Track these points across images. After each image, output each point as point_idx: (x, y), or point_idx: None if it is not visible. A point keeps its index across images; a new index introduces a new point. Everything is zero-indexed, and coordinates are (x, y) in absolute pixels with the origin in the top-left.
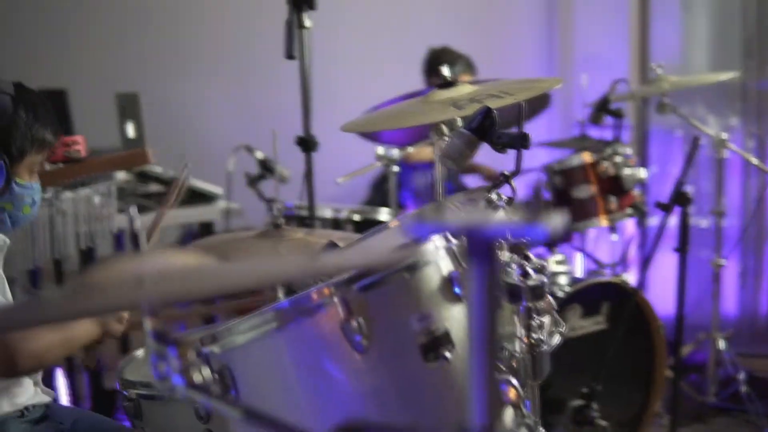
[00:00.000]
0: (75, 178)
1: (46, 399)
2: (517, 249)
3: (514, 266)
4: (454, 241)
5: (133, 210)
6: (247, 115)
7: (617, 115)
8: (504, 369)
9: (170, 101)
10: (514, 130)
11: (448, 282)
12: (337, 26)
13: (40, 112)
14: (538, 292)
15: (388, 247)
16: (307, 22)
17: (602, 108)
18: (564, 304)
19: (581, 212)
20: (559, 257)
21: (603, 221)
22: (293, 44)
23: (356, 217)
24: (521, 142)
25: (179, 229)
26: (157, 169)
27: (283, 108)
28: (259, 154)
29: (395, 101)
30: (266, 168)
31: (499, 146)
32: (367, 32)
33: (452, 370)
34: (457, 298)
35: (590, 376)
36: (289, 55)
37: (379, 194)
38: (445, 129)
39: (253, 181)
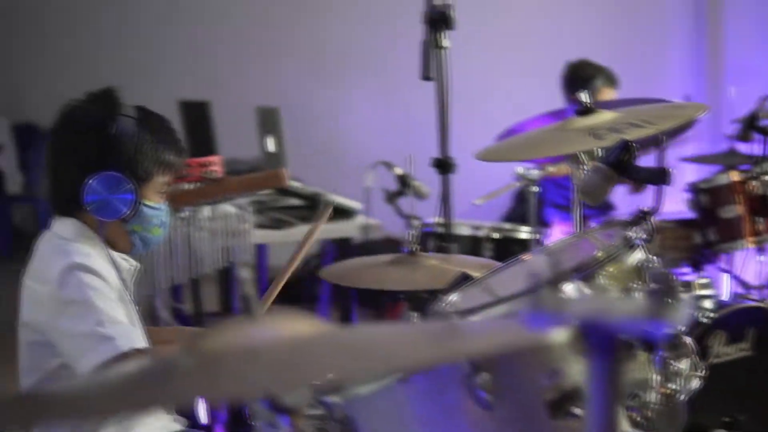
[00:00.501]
0: (212, 198)
1: (176, 428)
2: None
3: None
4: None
5: (245, 272)
6: (386, 132)
7: (766, 132)
8: (637, 421)
9: (310, 116)
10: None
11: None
12: (474, 44)
13: (163, 134)
14: (676, 341)
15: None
16: (445, 42)
17: (750, 124)
18: (707, 331)
19: (727, 233)
20: (704, 280)
21: (750, 242)
22: (430, 65)
23: (496, 235)
24: (662, 177)
25: (317, 244)
26: (296, 183)
27: (421, 126)
28: (398, 170)
29: (535, 121)
30: (405, 184)
31: (639, 182)
32: (505, 48)
33: (581, 427)
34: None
35: (733, 405)
36: (426, 77)
37: (520, 207)
38: (583, 158)
39: (391, 197)
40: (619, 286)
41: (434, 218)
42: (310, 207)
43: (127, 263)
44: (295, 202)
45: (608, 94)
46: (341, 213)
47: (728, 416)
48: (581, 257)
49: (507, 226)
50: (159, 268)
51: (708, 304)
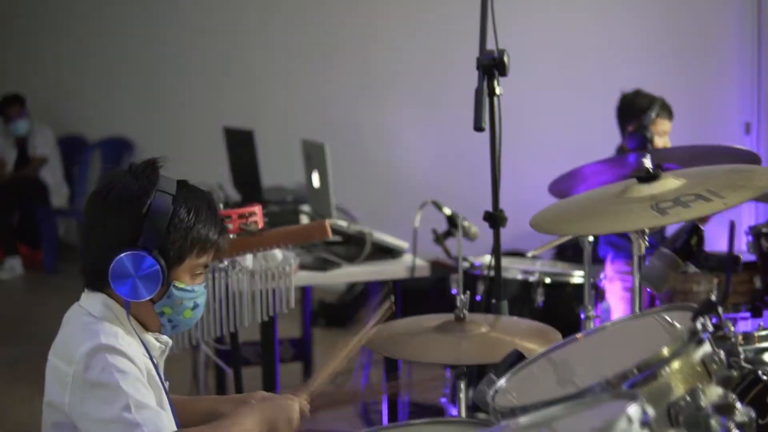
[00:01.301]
0: (251, 250)
1: None
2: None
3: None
4: (651, 413)
5: None
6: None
7: None
8: None
9: (360, 149)
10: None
11: None
12: (527, 83)
13: (202, 211)
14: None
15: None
16: (498, 90)
17: None
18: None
19: None
20: (764, 331)
21: None
22: (482, 115)
23: (547, 280)
24: (733, 266)
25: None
26: (341, 223)
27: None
28: (447, 210)
29: (593, 168)
30: (454, 224)
31: (707, 270)
32: (557, 85)
33: None
34: None
35: None
36: (478, 127)
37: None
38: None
39: (440, 238)
40: (682, 386)
41: (483, 261)
42: (356, 245)
43: (158, 342)
44: (338, 241)
45: (663, 125)
46: (388, 252)
47: None
48: (644, 349)
49: (559, 269)
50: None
51: None
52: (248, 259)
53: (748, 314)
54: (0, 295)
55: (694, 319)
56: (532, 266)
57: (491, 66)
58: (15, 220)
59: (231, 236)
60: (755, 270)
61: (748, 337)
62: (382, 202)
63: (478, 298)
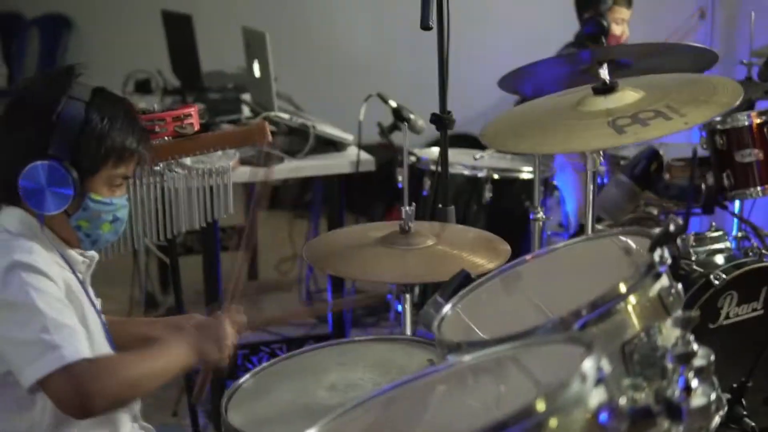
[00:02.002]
0: (186, 154)
1: None
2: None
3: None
4: (606, 368)
5: None
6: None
7: None
8: None
9: (302, 38)
10: None
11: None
12: None
13: (117, 119)
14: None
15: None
16: None
17: None
18: (719, 292)
19: (743, 179)
20: (717, 232)
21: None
22: (429, 13)
23: (496, 176)
24: (695, 195)
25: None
26: (283, 115)
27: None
28: (393, 103)
29: (546, 65)
30: (400, 117)
31: (667, 199)
32: None
33: None
34: None
35: (745, 367)
36: (425, 26)
37: None
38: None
39: (385, 131)
40: (638, 323)
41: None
42: (299, 138)
43: (82, 256)
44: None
45: (621, 12)
46: (332, 145)
47: (738, 380)
48: (598, 277)
49: (508, 163)
50: (134, 227)
51: (720, 259)
52: (187, 159)
53: (698, 210)
54: None
55: (652, 250)
56: (480, 162)
57: None
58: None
59: (166, 139)
60: (708, 166)
61: (700, 239)
62: (327, 93)
63: (424, 193)
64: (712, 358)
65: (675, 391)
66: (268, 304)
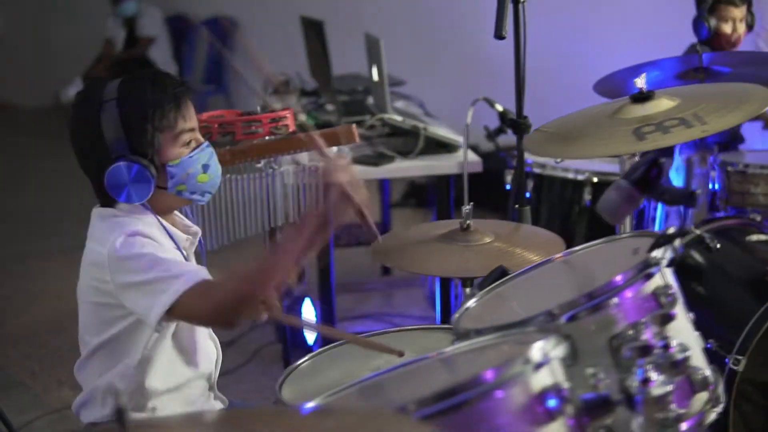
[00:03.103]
0: (282, 153)
1: (218, 406)
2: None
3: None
4: (553, 354)
5: None
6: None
7: None
8: None
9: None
10: None
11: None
12: None
13: (145, 95)
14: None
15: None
16: None
17: None
18: None
19: None
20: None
21: None
22: (503, 23)
23: (595, 179)
24: (688, 200)
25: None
26: (397, 118)
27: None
28: (499, 107)
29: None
30: (505, 120)
31: (663, 203)
32: None
33: None
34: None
35: None
36: (498, 35)
37: None
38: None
39: (492, 135)
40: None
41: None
42: (413, 138)
43: (185, 234)
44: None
45: (727, 11)
46: (443, 146)
47: None
48: (603, 277)
49: (607, 170)
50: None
51: None
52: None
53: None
54: None
55: (651, 250)
56: (582, 163)
57: None
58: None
59: (260, 140)
60: None
61: None
62: (457, 94)
63: (527, 195)
64: (688, 353)
65: (634, 382)
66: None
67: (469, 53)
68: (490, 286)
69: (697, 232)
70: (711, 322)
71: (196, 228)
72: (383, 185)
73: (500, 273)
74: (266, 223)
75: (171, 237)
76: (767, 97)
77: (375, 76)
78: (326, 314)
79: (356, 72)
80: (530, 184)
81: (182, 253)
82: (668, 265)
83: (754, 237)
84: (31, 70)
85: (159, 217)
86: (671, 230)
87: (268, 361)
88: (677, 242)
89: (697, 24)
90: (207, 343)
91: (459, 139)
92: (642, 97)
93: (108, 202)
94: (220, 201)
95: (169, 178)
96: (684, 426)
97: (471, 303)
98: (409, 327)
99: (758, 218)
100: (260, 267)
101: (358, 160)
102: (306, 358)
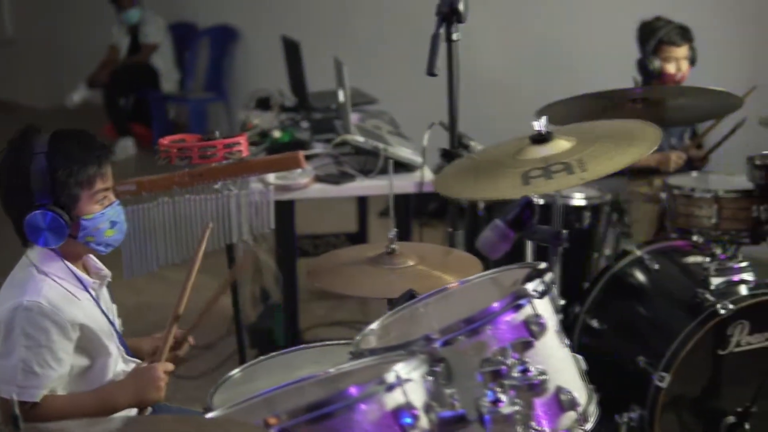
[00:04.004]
0: (234, 177)
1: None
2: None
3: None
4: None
5: None
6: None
7: None
8: None
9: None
10: None
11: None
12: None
13: (73, 153)
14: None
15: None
16: (456, 36)
17: None
18: (728, 321)
19: None
20: (743, 263)
21: None
22: (435, 60)
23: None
24: (555, 240)
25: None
26: (359, 138)
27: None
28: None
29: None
30: (461, 144)
31: (534, 241)
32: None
33: None
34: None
35: (750, 395)
36: (430, 72)
37: None
38: None
39: (446, 156)
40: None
41: None
42: (374, 158)
43: (92, 278)
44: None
45: (670, 51)
46: (403, 166)
47: (743, 405)
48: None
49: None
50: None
51: (743, 289)
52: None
53: (747, 242)
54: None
55: (524, 283)
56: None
57: (448, 13)
58: (129, 105)
59: (218, 164)
60: (753, 199)
61: (722, 269)
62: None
63: (480, 213)
64: (546, 377)
65: (485, 402)
66: None
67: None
68: (396, 309)
69: (639, 253)
70: (645, 340)
71: (106, 271)
72: (361, 198)
73: (409, 296)
74: (222, 239)
75: (79, 280)
76: (656, 139)
77: (341, 98)
78: (290, 322)
79: (333, 90)
80: (481, 204)
81: (90, 294)
82: (539, 297)
83: (691, 258)
84: (40, 73)
85: (68, 263)
86: (541, 265)
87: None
88: (547, 277)
89: (642, 65)
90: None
91: (418, 159)
92: (540, 139)
93: (26, 242)
94: (181, 219)
95: (81, 229)
96: None
97: (374, 325)
98: (331, 342)
99: (700, 240)
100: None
101: (322, 179)
102: (239, 369)
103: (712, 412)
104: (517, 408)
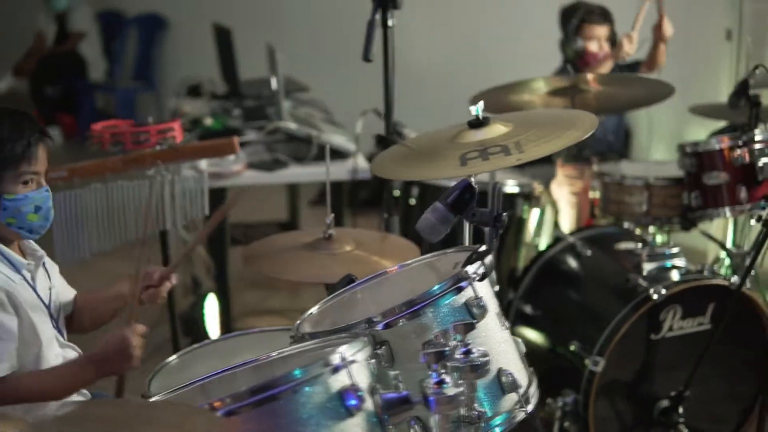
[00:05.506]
0: (168, 162)
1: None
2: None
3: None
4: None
5: None
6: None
7: (756, 103)
8: None
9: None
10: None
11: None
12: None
13: (2, 132)
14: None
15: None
16: (391, 22)
17: (742, 91)
18: (661, 306)
19: (710, 200)
20: (674, 249)
21: (732, 212)
22: (371, 46)
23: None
24: (495, 222)
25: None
26: (291, 125)
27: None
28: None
29: None
30: (395, 131)
31: (473, 224)
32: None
33: None
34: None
35: (683, 380)
36: (366, 58)
37: None
38: None
39: (381, 143)
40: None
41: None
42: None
43: (30, 258)
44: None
45: (591, 30)
46: (337, 154)
47: (677, 389)
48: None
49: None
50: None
51: (674, 274)
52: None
53: (678, 227)
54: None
55: (464, 266)
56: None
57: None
58: (56, 94)
59: (151, 149)
60: (683, 186)
61: (654, 254)
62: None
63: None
64: (488, 359)
65: (429, 384)
66: None
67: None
68: (335, 293)
69: (571, 239)
70: (577, 326)
71: (41, 252)
72: (292, 187)
73: (347, 281)
74: (155, 226)
75: (10, 261)
76: (592, 124)
77: (274, 85)
78: (223, 310)
79: (265, 77)
80: (415, 191)
81: (23, 275)
82: (479, 280)
83: (622, 245)
84: None
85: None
86: (481, 248)
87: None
88: (487, 259)
89: (564, 45)
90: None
91: (351, 146)
92: (477, 123)
93: None
94: (112, 205)
95: (2, 209)
96: (492, 423)
97: (314, 308)
98: (268, 329)
99: (630, 227)
100: (46, 393)
101: (254, 165)
102: (175, 356)
103: (645, 396)
104: (461, 389)
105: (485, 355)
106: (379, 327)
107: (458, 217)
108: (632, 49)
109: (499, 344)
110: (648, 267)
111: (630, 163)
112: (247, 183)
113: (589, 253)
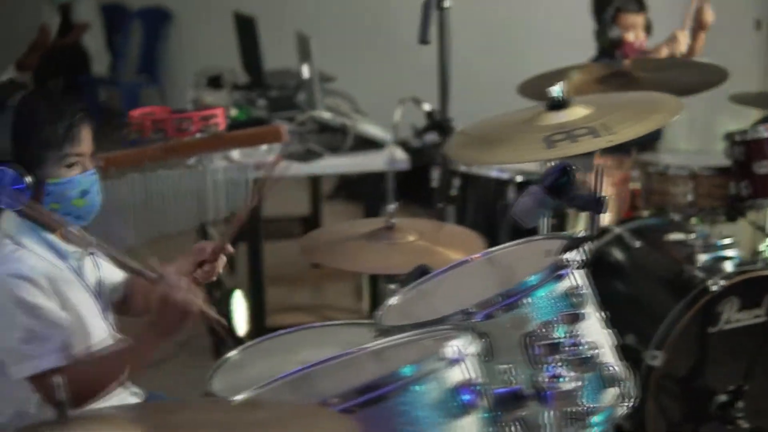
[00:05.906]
0: (210, 151)
1: (132, 400)
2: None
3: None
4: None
5: None
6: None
7: None
8: None
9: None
10: None
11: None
12: None
13: (40, 112)
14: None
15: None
16: (447, 3)
17: None
18: (719, 298)
19: (760, 189)
20: (727, 239)
21: None
22: (428, 29)
23: (519, 179)
24: (597, 206)
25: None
26: (325, 115)
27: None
28: (426, 106)
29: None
30: (432, 120)
31: (573, 208)
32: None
33: None
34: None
35: (743, 372)
36: (423, 41)
37: None
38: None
39: (419, 133)
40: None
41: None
42: (342, 135)
43: (74, 247)
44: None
45: (627, 18)
46: (371, 143)
47: (735, 383)
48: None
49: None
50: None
51: (729, 265)
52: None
53: (723, 218)
54: None
55: (562, 253)
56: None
57: None
58: (58, 87)
59: (194, 137)
60: (730, 176)
61: (708, 245)
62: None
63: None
64: (597, 351)
65: (544, 378)
66: None
67: (400, 52)
68: (412, 284)
69: (618, 231)
70: (630, 319)
71: (90, 238)
72: (314, 180)
73: (421, 271)
74: (196, 218)
75: (55, 249)
76: (678, 107)
77: (306, 74)
78: (256, 307)
79: (288, 68)
80: (457, 182)
81: (71, 265)
82: (578, 268)
83: (672, 236)
84: None
85: (45, 234)
86: (581, 234)
87: (197, 354)
88: (587, 246)
89: (600, 35)
90: None
91: (387, 136)
92: (557, 105)
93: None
94: (151, 196)
95: (45, 194)
96: (595, 419)
97: (393, 300)
98: (332, 323)
99: (677, 218)
100: (110, 376)
101: (288, 156)
102: (237, 350)
103: (701, 390)
104: (578, 383)
105: (594, 347)
106: (478, 318)
107: (556, 202)
108: (685, 45)
109: (600, 336)
110: (702, 258)
111: (666, 153)
112: (284, 174)
113: (637, 244)
